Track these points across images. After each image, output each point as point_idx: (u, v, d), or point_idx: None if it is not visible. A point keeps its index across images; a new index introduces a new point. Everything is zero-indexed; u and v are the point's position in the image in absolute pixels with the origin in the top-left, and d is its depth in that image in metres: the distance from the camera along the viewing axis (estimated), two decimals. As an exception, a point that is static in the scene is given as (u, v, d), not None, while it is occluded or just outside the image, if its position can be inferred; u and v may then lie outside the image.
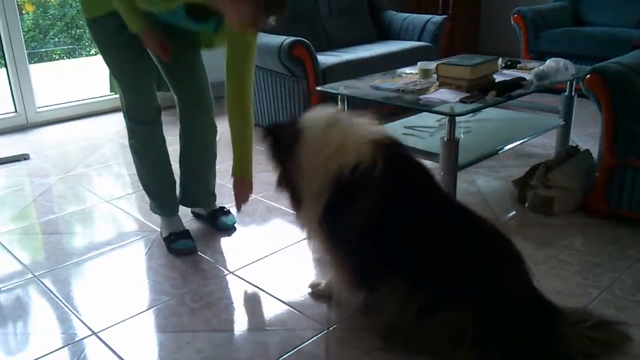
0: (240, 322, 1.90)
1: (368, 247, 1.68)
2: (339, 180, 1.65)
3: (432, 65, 2.87)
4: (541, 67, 2.80)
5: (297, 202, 1.81)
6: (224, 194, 2.75)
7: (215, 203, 2.59)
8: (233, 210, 2.58)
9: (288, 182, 1.82)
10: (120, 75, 2.17)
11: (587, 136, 3.57)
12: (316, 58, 3.59)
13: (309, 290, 2.03)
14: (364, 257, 1.71)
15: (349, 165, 1.64)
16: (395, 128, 3.17)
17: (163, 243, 2.41)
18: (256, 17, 1.80)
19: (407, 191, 1.69)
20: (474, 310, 1.59)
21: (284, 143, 1.79)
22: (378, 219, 1.66)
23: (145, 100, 2.20)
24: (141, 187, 2.44)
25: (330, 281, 1.95)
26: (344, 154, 1.65)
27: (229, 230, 2.51)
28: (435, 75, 2.79)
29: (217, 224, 2.54)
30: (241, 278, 2.16)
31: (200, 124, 2.36)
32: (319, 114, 1.78)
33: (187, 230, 2.43)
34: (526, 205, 2.64)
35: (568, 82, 3.11)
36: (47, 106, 4.41)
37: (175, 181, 2.42)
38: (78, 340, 1.83)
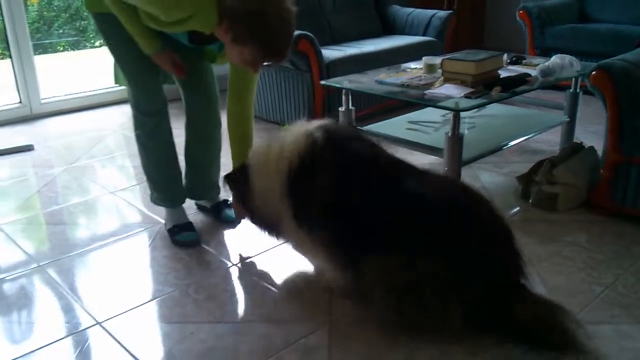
0: (244, 314, 1.90)
1: (337, 224, 1.81)
2: (291, 176, 1.83)
3: (437, 60, 2.87)
4: (546, 64, 2.80)
5: (270, 226, 2.01)
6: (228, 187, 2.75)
7: (219, 196, 2.60)
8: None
9: (256, 210, 2.01)
10: (126, 67, 2.17)
11: (592, 133, 3.56)
12: (320, 52, 3.59)
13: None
14: (337, 234, 1.81)
15: (294, 160, 1.82)
16: (400, 123, 3.17)
17: (167, 235, 2.41)
18: (256, 61, 1.88)
19: (354, 164, 1.82)
20: (447, 261, 1.68)
21: (240, 180, 2.03)
22: (336, 197, 1.79)
23: (152, 92, 2.20)
24: (145, 179, 2.44)
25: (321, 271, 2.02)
26: (286, 155, 1.84)
27: (233, 222, 2.52)
28: (440, 71, 2.79)
29: (221, 216, 2.55)
30: (244, 270, 2.17)
31: (206, 118, 2.37)
32: (257, 151, 2.01)
33: (191, 222, 2.43)
34: (530, 201, 2.64)
35: (573, 79, 3.10)
36: (51, 97, 4.42)
37: (181, 172, 2.42)
38: (82, 330, 1.84)
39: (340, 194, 1.79)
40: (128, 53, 2.12)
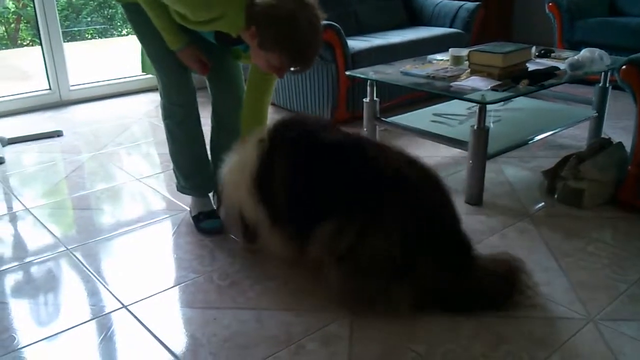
0: (266, 301, 1.93)
1: (292, 208, 1.91)
2: (255, 181, 1.94)
3: (463, 52, 2.85)
4: (576, 57, 2.76)
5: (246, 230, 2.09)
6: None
7: None
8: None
9: (231, 217, 2.11)
10: (155, 56, 2.19)
11: (620, 129, 3.51)
12: (346, 42, 3.58)
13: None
14: (291, 215, 1.92)
15: (253, 167, 1.94)
16: (424, 115, 3.16)
17: (191, 222, 2.45)
18: (282, 67, 1.91)
19: (303, 150, 1.91)
20: (396, 232, 1.74)
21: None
22: (290, 179, 1.90)
23: (180, 81, 2.22)
24: (171, 167, 2.47)
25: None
26: (247, 165, 1.96)
27: None
28: (466, 63, 2.77)
29: None
30: (268, 259, 2.18)
31: (231, 110, 2.38)
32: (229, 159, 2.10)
33: (215, 209, 2.46)
34: (555, 196, 2.62)
35: (602, 73, 3.06)
36: (80, 84, 4.49)
37: (209, 161, 2.44)
38: (108, 313, 1.88)
39: (290, 180, 1.90)
40: (157, 43, 2.14)
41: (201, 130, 2.37)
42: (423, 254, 1.77)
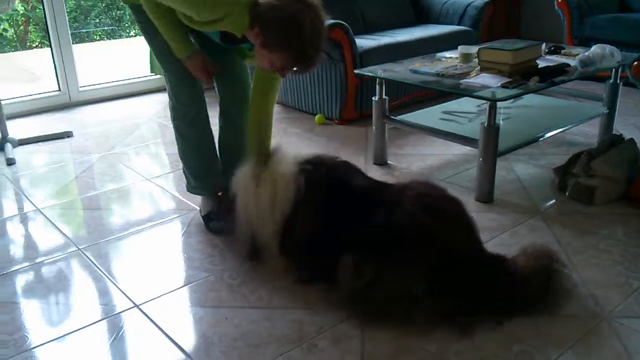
0: (277, 300, 1.92)
1: (317, 250, 1.94)
2: (285, 219, 1.96)
3: (473, 49, 2.84)
4: (586, 53, 2.74)
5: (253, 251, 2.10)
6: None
7: None
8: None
9: (240, 238, 2.12)
10: (162, 57, 2.20)
11: (631, 125, 3.48)
12: (354, 41, 3.58)
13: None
14: (316, 260, 1.96)
15: (285, 208, 1.96)
16: (433, 113, 3.15)
17: (201, 221, 2.45)
18: (284, 67, 1.91)
19: (332, 203, 1.95)
20: (419, 273, 1.74)
21: (229, 210, 2.13)
22: (318, 227, 1.94)
23: (188, 81, 2.22)
24: (180, 167, 2.47)
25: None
26: (279, 200, 1.97)
27: None
28: (476, 60, 2.75)
29: None
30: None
31: (239, 109, 2.38)
32: (243, 176, 2.08)
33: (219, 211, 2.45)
34: (566, 193, 2.60)
35: (613, 69, 3.03)
36: (89, 85, 4.51)
37: (218, 160, 2.44)
38: (120, 312, 1.89)
39: (319, 231, 1.93)
40: (164, 43, 2.15)
41: (210, 130, 2.37)
42: (445, 284, 1.75)
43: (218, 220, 2.39)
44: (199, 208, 2.53)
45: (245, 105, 2.35)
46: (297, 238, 1.97)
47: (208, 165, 2.40)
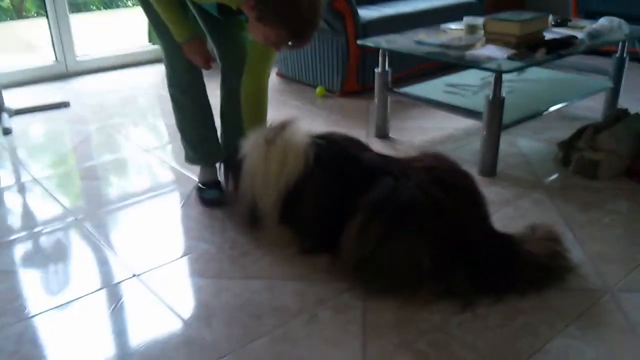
0: (278, 271, 1.91)
1: (323, 222, 1.92)
2: (289, 190, 1.93)
3: (479, 20, 2.78)
4: (594, 26, 2.70)
5: (252, 217, 2.05)
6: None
7: None
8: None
9: (242, 200, 2.06)
10: (158, 25, 2.14)
11: (637, 101, 3.44)
12: (357, 11, 3.51)
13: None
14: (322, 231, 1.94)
15: (291, 179, 1.92)
16: (437, 86, 3.10)
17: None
18: (279, 42, 1.86)
19: (339, 183, 1.91)
20: (427, 244, 1.70)
21: (235, 172, 2.08)
22: (325, 202, 1.91)
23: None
24: (178, 138, 2.44)
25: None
26: (287, 169, 1.93)
27: None
28: (481, 32, 2.70)
29: None
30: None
31: (239, 79, 2.33)
32: (255, 139, 2.03)
33: (220, 181, 2.43)
34: (570, 168, 2.57)
35: (620, 43, 2.99)
36: (86, 55, 4.44)
37: (216, 131, 2.40)
38: (119, 282, 1.87)
39: (327, 206, 1.91)
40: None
41: (207, 100, 2.33)
42: (453, 258, 1.73)
43: (215, 189, 2.36)
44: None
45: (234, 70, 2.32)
46: (304, 211, 1.94)
47: (204, 134, 2.36)
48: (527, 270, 1.77)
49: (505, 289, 1.75)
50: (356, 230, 1.76)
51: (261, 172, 1.97)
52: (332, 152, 1.96)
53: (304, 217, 1.95)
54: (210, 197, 2.36)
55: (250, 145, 2.04)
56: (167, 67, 2.24)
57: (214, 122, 2.38)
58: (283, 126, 2.03)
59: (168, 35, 2.13)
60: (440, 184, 1.79)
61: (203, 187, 2.40)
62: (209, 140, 2.38)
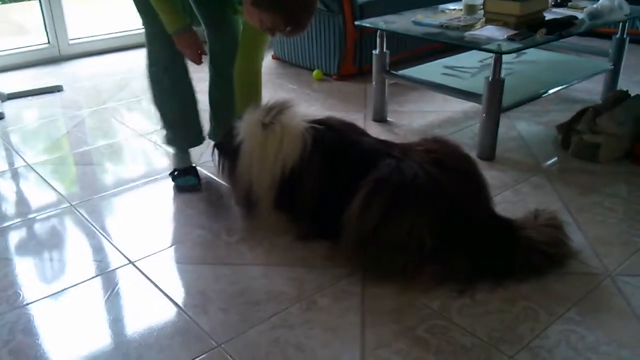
0: (276, 258, 1.88)
1: (322, 208, 1.88)
2: (284, 175, 1.89)
3: (478, 0, 2.74)
4: (595, 6, 2.65)
5: (248, 202, 2.00)
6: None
7: None
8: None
9: (238, 185, 2.01)
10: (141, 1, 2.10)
11: (636, 83, 3.40)
12: (354, -7, 3.46)
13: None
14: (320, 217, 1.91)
15: (288, 164, 1.88)
16: (435, 68, 3.06)
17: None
18: (274, 28, 1.83)
19: (337, 168, 1.88)
20: (429, 219, 1.68)
21: (229, 155, 2.01)
22: (323, 187, 1.88)
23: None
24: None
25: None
26: (283, 154, 1.89)
27: None
28: (481, 12, 2.66)
29: None
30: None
31: (229, 58, 2.29)
32: (252, 122, 1.96)
33: (194, 167, 2.39)
34: (570, 151, 2.54)
35: (620, 24, 2.95)
36: (79, 38, 4.37)
37: (197, 114, 2.34)
38: (115, 269, 1.84)
39: (325, 191, 1.88)
40: None
41: (189, 82, 2.27)
42: (454, 240, 1.71)
43: (189, 176, 2.33)
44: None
45: (235, 55, 2.27)
46: (302, 196, 1.91)
47: (184, 117, 2.31)
48: (527, 256, 1.75)
49: (504, 273, 1.73)
50: (358, 208, 1.73)
51: (257, 157, 1.93)
52: (330, 136, 1.92)
53: (303, 202, 1.92)
54: (183, 183, 2.32)
55: (246, 128, 1.97)
56: (148, 44, 2.19)
57: (196, 108, 2.33)
58: (280, 109, 1.98)
59: (149, 9, 2.07)
60: (440, 166, 1.77)
61: (176, 172, 2.36)
62: (186, 121, 2.32)
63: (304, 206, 1.92)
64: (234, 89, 2.35)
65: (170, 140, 2.37)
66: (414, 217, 1.69)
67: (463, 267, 1.70)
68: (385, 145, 1.94)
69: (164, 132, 2.36)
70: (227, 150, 2.03)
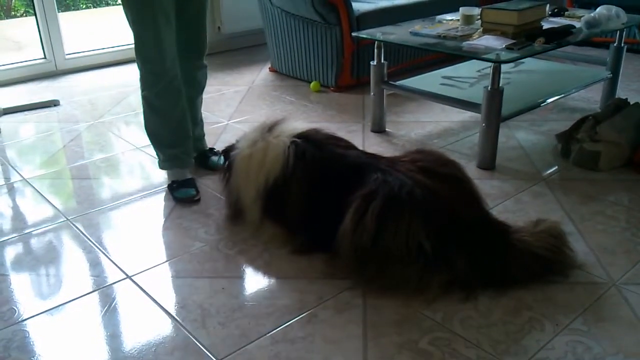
0: (276, 270, 1.86)
1: (311, 220, 1.90)
2: (268, 188, 1.94)
3: (475, 10, 2.74)
4: (592, 14, 2.65)
5: (236, 210, 2.08)
6: (211, 134, 2.85)
7: (204, 145, 2.64)
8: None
9: (229, 197, 2.11)
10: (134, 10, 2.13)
11: (634, 91, 3.41)
12: (350, 4, 3.46)
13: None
14: (307, 228, 1.92)
15: (270, 178, 1.93)
16: (433, 79, 3.06)
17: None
18: None
19: (321, 179, 1.90)
20: (424, 223, 1.67)
21: (227, 163, 2.12)
22: (309, 198, 1.90)
23: (159, 38, 2.15)
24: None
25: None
26: (265, 168, 1.94)
27: (219, 169, 2.48)
28: (478, 22, 2.66)
29: (209, 163, 2.55)
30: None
31: (197, 65, 2.40)
32: (246, 139, 2.07)
33: (191, 178, 2.39)
34: (570, 159, 2.53)
35: (618, 32, 2.95)
36: (75, 53, 4.36)
37: (190, 135, 2.40)
38: (112, 284, 1.81)
39: (306, 207, 1.90)
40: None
41: (184, 101, 2.31)
42: (451, 246, 1.69)
43: (187, 187, 2.33)
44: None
45: (202, 59, 2.40)
46: (289, 210, 1.93)
47: (184, 135, 2.36)
48: (520, 258, 1.73)
49: (501, 275, 1.71)
50: (351, 223, 1.72)
51: (244, 171, 2.01)
52: (312, 150, 1.95)
53: (290, 215, 1.94)
54: (183, 195, 2.31)
55: (241, 143, 2.07)
56: (142, 63, 2.23)
57: (189, 126, 2.40)
58: (271, 126, 2.05)
59: (145, 19, 2.10)
60: (427, 173, 1.78)
61: (174, 185, 2.35)
62: (185, 140, 2.37)
63: (292, 215, 1.93)
64: (199, 92, 2.50)
65: (169, 162, 2.38)
66: (408, 224, 1.67)
67: (463, 269, 1.68)
68: (371, 158, 1.96)
69: (163, 154, 2.37)
70: (227, 162, 2.11)
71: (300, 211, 1.91)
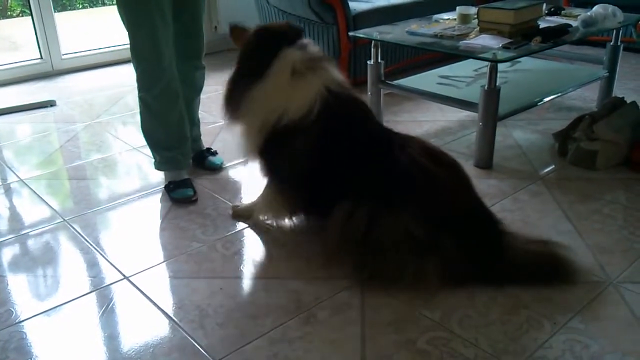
0: (273, 270, 1.86)
1: (310, 179, 1.83)
2: (276, 127, 1.81)
3: (472, 9, 2.74)
4: (588, 13, 2.66)
5: (235, 112, 1.94)
6: (208, 134, 2.84)
7: (200, 145, 2.63)
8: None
9: (239, 97, 1.92)
10: (132, 20, 2.12)
11: (630, 90, 3.41)
12: (347, 3, 3.46)
13: (230, 211, 2.18)
14: (306, 187, 1.86)
15: (285, 117, 1.79)
16: (430, 78, 3.06)
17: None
18: None
19: (342, 130, 1.81)
20: (417, 214, 1.67)
21: (253, 61, 1.91)
22: (316, 156, 1.80)
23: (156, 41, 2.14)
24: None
25: (254, 205, 2.08)
26: (289, 106, 1.79)
27: (217, 169, 2.54)
28: (475, 21, 2.66)
29: (206, 164, 2.54)
30: (275, 227, 2.11)
31: (195, 65, 2.39)
32: (290, 56, 1.84)
33: (188, 178, 2.38)
34: (567, 158, 2.53)
35: (614, 31, 2.95)
36: (72, 53, 4.35)
37: (188, 137, 2.39)
38: (109, 284, 1.81)
39: (318, 162, 1.81)
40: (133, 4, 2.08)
41: (182, 103, 2.31)
42: (446, 234, 1.69)
43: (184, 188, 2.32)
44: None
45: (200, 60, 2.39)
46: (292, 156, 1.83)
47: (183, 136, 2.35)
48: (525, 255, 1.76)
49: (497, 267, 1.72)
50: (341, 219, 1.73)
51: (267, 94, 1.84)
52: (340, 110, 1.82)
53: (291, 162, 1.85)
54: (180, 196, 2.30)
55: (278, 63, 1.84)
56: (139, 65, 2.21)
57: (187, 129, 2.39)
58: (316, 64, 1.87)
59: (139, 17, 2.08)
60: (431, 156, 1.79)
61: (171, 186, 2.34)
62: (184, 142, 2.36)
63: (292, 169, 1.85)
64: (197, 93, 2.49)
65: (167, 163, 2.37)
66: (399, 215, 1.68)
67: (459, 257, 1.68)
68: (389, 134, 1.90)
69: (157, 157, 2.37)
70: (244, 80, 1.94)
71: (304, 163, 1.82)
